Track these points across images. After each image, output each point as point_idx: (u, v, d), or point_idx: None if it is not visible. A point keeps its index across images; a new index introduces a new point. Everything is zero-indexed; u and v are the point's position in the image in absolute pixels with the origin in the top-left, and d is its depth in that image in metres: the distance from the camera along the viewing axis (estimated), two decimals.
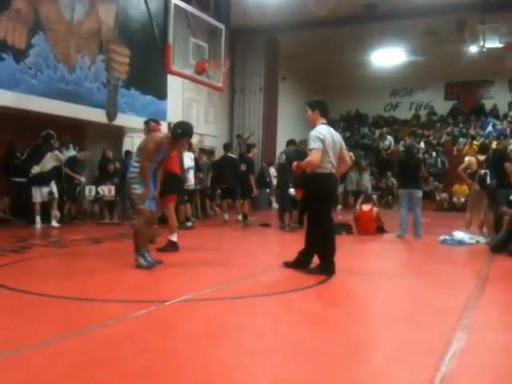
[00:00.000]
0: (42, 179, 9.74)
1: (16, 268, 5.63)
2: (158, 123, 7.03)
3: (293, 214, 10.08)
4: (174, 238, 6.76)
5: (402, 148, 20.23)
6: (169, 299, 4.23)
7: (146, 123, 7.07)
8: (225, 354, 3.02)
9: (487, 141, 18.08)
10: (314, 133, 5.44)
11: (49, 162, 9.86)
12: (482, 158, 9.47)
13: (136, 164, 5.57)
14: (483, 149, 10.05)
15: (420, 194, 9.30)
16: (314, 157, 5.37)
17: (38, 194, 9.68)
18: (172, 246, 6.69)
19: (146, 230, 5.59)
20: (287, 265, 5.79)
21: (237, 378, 2.70)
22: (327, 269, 5.45)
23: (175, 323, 3.68)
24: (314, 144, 5.37)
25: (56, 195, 10.01)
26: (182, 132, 5.61)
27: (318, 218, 5.56)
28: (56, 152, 10.12)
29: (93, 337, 3.26)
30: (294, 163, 5.75)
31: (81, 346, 3.09)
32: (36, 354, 2.92)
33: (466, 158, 10.16)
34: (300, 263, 5.69)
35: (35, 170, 9.65)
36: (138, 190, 5.49)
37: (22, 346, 2.99)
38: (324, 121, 5.63)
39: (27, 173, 9.81)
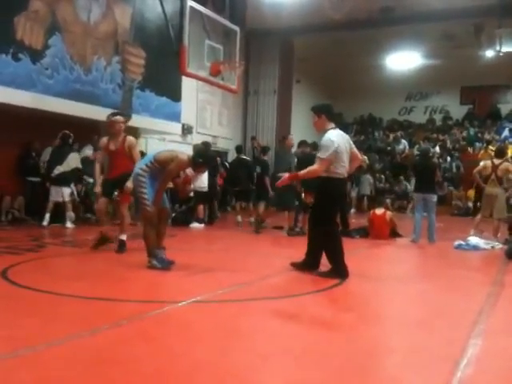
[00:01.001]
0: (65, 179, 9.87)
1: (31, 267, 5.67)
2: (114, 115, 6.97)
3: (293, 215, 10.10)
4: (124, 237, 6.81)
5: (416, 152, 20.20)
6: (182, 300, 4.23)
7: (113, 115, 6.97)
8: (237, 356, 3.02)
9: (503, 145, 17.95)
10: (327, 141, 5.34)
11: (72, 162, 10.06)
12: (497, 161, 9.39)
13: (145, 168, 5.54)
14: (500, 153, 9.95)
15: (435, 198, 9.24)
16: (319, 167, 5.33)
17: (59, 194, 9.78)
18: (122, 246, 6.72)
19: (151, 231, 5.58)
20: (295, 265, 5.79)
21: (249, 379, 2.69)
22: (340, 272, 5.43)
23: (188, 324, 3.67)
24: (325, 154, 5.29)
25: (76, 196, 10.19)
26: (202, 162, 5.54)
27: (328, 222, 5.52)
28: (77, 153, 10.30)
29: (106, 336, 3.27)
30: (286, 175, 5.63)
31: (95, 345, 3.10)
32: (51, 353, 2.93)
33: (481, 163, 10.07)
34: (308, 264, 5.68)
35: (58, 170, 9.78)
36: (146, 194, 5.51)
37: (36, 345, 3.00)
38: (333, 125, 5.53)
39: (47, 173, 9.92)
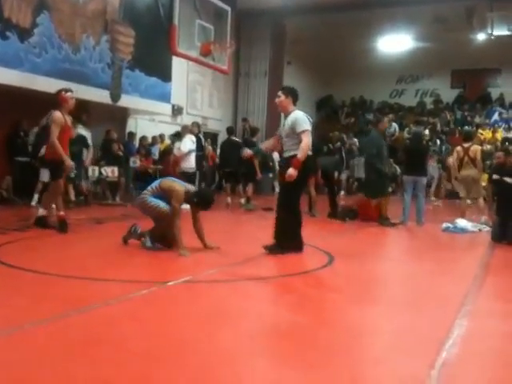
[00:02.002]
0: None
1: (18, 246, 5.65)
2: (67, 92, 6.72)
3: None
4: (44, 213, 6.79)
5: (407, 135, 20.24)
6: (170, 280, 4.24)
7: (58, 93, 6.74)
8: (225, 335, 3.03)
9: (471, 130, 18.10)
10: (301, 116, 5.65)
11: None
12: (467, 145, 9.52)
13: (149, 189, 5.66)
14: (467, 137, 10.10)
15: (425, 181, 9.31)
16: (308, 139, 5.55)
17: (46, 174, 9.67)
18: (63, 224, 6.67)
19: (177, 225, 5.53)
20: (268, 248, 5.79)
21: (236, 358, 2.71)
22: (284, 248, 5.57)
23: (176, 304, 3.69)
24: (306, 125, 5.59)
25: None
26: (196, 201, 5.57)
27: (297, 198, 5.74)
28: None
29: (95, 315, 3.27)
30: (291, 171, 5.49)
31: (82, 324, 3.10)
32: (38, 332, 2.93)
33: (455, 151, 10.13)
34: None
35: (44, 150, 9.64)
36: (153, 203, 5.54)
37: (24, 324, 3.00)
38: (295, 108, 5.77)
39: (33, 153, 9.80)
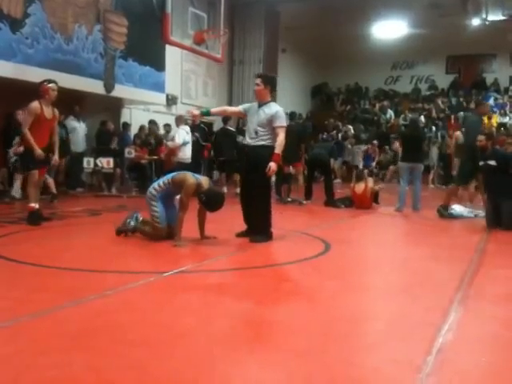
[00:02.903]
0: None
1: (14, 239, 5.64)
2: (50, 83, 6.59)
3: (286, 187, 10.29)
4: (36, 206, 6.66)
5: (402, 121, 20.23)
6: (167, 270, 4.24)
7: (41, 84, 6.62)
8: (222, 324, 3.04)
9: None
10: (281, 111, 5.75)
11: None
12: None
13: (157, 187, 5.57)
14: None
15: (421, 168, 9.30)
16: (284, 135, 5.67)
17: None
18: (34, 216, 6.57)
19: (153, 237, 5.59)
20: (240, 235, 5.86)
21: (234, 347, 2.72)
22: (269, 235, 5.73)
23: (173, 293, 3.69)
24: (284, 122, 5.77)
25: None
26: (204, 201, 5.40)
27: (268, 189, 5.90)
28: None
29: (91, 307, 3.27)
30: (272, 165, 5.55)
31: (79, 315, 3.10)
32: (35, 324, 2.93)
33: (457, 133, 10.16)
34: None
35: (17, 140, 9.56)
36: (157, 213, 5.51)
37: (21, 316, 3.00)
38: (270, 98, 5.84)
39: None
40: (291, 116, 10.50)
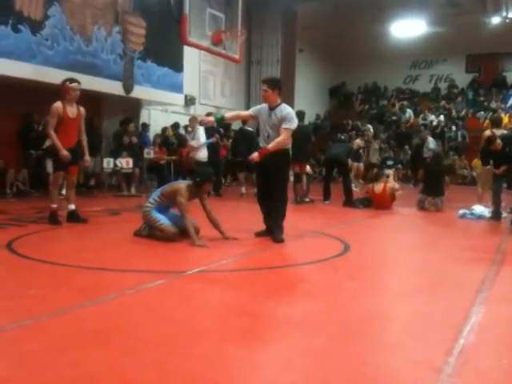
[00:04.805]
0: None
1: (35, 238, 5.69)
2: (72, 82, 6.58)
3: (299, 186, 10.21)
4: (73, 206, 6.75)
5: (421, 121, 20.00)
6: (186, 270, 4.25)
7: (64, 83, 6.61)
8: (238, 324, 3.03)
9: (503, 114, 17.86)
10: (291, 113, 5.72)
11: None
12: (498, 132, 9.31)
13: (152, 201, 5.66)
14: (496, 122, 9.90)
15: (442, 200, 9.27)
16: (288, 138, 5.73)
17: (50, 166, 9.69)
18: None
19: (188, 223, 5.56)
20: (259, 234, 5.90)
21: (250, 347, 2.71)
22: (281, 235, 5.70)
23: (191, 293, 3.69)
24: (293, 125, 5.72)
25: None
26: (200, 180, 5.61)
27: (286, 190, 5.90)
28: None
29: (110, 306, 3.29)
30: (256, 154, 5.69)
31: (98, 314, 3.12)
32: (54, 322, 2.95)
33: (485, 133, 9.96)
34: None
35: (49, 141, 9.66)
36: (157, 218, 5.56)
37: (40, 315, 3.03)
38: (279, 100, 5.80)
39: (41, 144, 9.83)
40: (299, 116, 10.41)
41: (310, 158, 10.73)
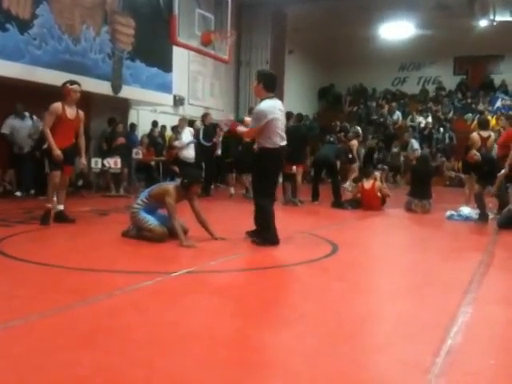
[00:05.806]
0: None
1: (23, 238, 5.66)
2: (72, 84, 6.62)
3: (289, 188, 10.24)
4: (61, 207, 6.73)
5: (409, 123, 20.12)
6: (175, 270, 4.24)
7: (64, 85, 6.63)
8: (229, 324, 3.04)
9: (491, 116, 18.03)
10: (258, 111, 5.47)
11: None
12: (485, 134, 9.41)
13: (140, 202, 5.65)
14: (483, 124, 9.97)
15: (429, 203, 9.30)
16: (247, 134, 5.96)
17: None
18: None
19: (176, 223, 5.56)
20: (250, 234, 5.81)
21: (241, 347, 2.72)
22: (268, 239, 5.51)
23: (180, 294, 3.69)
24: (254, 124, 5.48)
25: None
26: (188, 181, 5.61)
27: (269, 190, 5.60)
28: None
29: (99, 306, 3.28)
30: (238, 127, 5.93)
31: (88, 315, 3.11)
32: (44, 323, 2.94)
33: (473, 135, 10.02)
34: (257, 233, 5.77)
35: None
36: (145, 219, 5.55)
37: (29, 315, 3.01)
38: (269, 94, 5.52)
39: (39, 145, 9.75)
40: (287, 116, 10.40)
41: (305, 160, 10.70)
